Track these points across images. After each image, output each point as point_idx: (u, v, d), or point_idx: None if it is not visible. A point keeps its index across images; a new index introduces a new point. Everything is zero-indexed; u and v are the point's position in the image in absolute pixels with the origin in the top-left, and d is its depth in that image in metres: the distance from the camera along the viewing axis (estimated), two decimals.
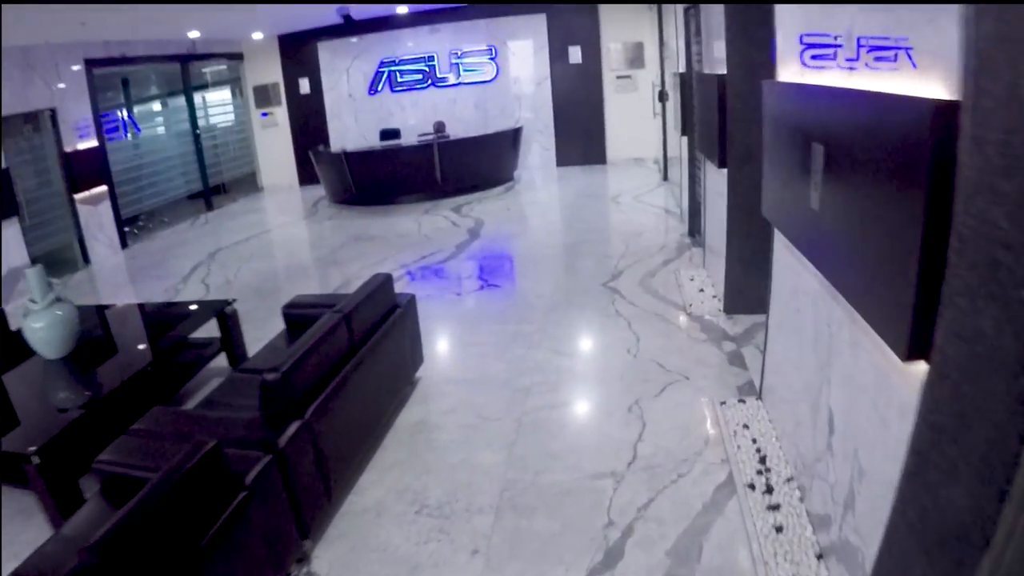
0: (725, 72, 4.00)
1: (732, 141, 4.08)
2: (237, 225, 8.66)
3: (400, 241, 6.86)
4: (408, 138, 10.36)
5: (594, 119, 10.59)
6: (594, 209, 7.56)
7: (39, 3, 4.78)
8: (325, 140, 11.11)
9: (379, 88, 10.86)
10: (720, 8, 4.02)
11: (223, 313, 4.17)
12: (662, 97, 8.26)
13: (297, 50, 11.06)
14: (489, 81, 10.52)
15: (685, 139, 6.14)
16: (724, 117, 4.10)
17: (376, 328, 3.35)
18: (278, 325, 4.11)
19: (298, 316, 3.85)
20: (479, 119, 10.62)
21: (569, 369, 3.97)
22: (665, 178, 8.66)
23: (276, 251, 7.49)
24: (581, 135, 10.67)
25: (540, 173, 10.39)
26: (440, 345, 4.48)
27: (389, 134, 10.29)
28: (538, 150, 10.79)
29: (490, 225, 7.21)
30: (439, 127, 8.93)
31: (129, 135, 9.69)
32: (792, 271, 2.59)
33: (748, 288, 4.13)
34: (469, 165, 8.94)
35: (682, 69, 5.95)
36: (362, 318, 3.23)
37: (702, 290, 4.82)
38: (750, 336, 4.03)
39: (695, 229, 5.86)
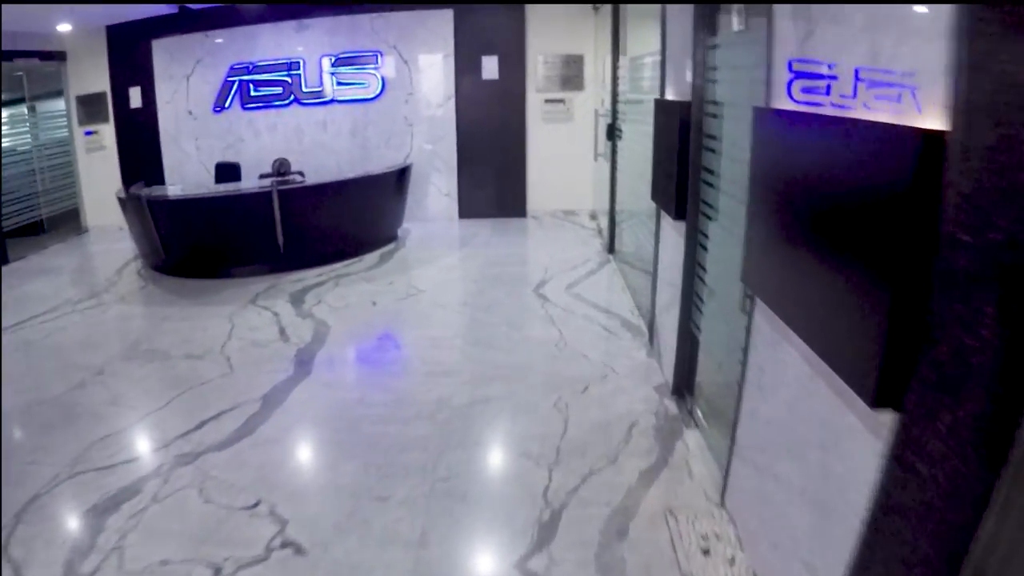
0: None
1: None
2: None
3: (186, 371, 4.37)
4: (254, 176, 8.29)
5: (512, 156, 8.49)
6: (507, 313, 5.23)
7: None
8: (159, 172, 8.90)
9: (227, 103, 8.52)
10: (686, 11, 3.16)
11: None
12: (612, 134, 6.37)
13: (128, 50, 8.59)
14: (372, 99, 8.38)
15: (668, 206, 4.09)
16: (685, 155, 3.21)
17: None
18: None
19: None
20: (356, 150, 8.39)
21: None
22: (611, 250, 6.77)
23: None
24: (494, 177, 8.54)
25: (436, 230, 8.16)
26: None
27: (226, 171, 7.88)
28: (435, 195, 8.57)
29: (336, 338, 4.79)
30: (281, 167, 6.59)
31: None
32: None
33: None
34: (329, 222, 6.64)
35: (658, 95, 4.01)
36: None
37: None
38: None
39: (685, 381, 3.61)
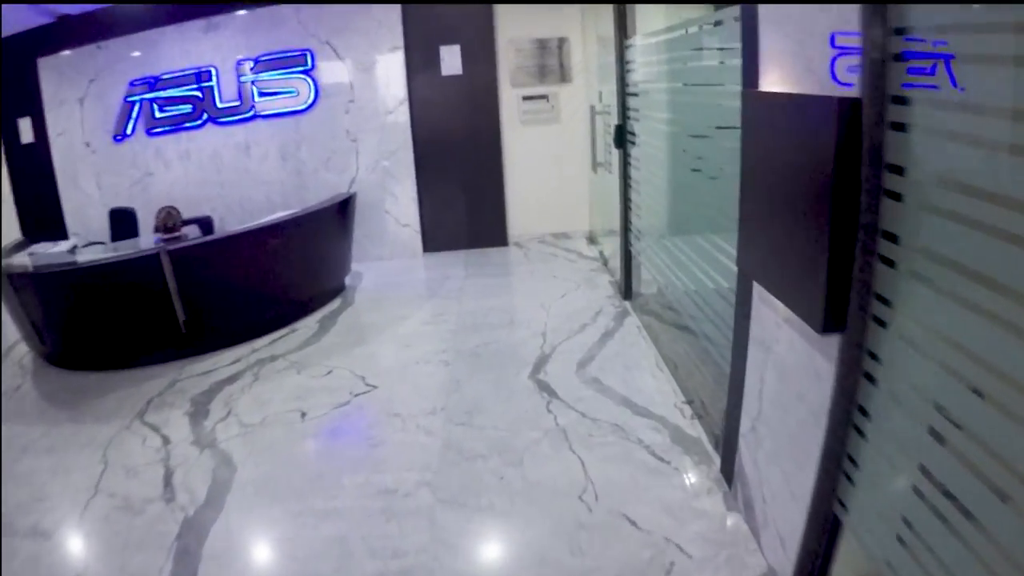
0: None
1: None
2: None
3: (22, 568, 2.83)
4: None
5: (486, 170, 7.00)
6: (498, 428, 3.66)
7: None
8: (59, 223, 7.40)
9: (129, 130, 6.93)
10: None
11: None
12: (622, 138, 4.95)
13: (10, 73, 6.95)
14: (304, 110, 6.81)
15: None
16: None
17: None
18: None
19: None
20: (288, 177, 6.84)
21: None
22: (627, 294, 5.27)
23: None
24: (465, 197, 7.05)
25: (395, 272, 6.64)
26: None
27: (121, 221, 6.36)
28: (392, 226, 7.02)
29: (241, 495, 3.23)
30: (168, 220, 5.10)
31: None
32: None
33: None
34: (246, 285, 5.11)
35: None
36: None
37: None
38: None
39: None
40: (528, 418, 3.66)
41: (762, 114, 2.16)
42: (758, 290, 2.40)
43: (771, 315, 2.30)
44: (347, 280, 6.22)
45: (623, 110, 4.84)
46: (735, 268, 2.62)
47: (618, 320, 4.92)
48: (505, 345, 4.65)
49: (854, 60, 1.64)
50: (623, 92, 4.79)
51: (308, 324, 5.38)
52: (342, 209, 5.87)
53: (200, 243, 4.91)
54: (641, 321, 4.84)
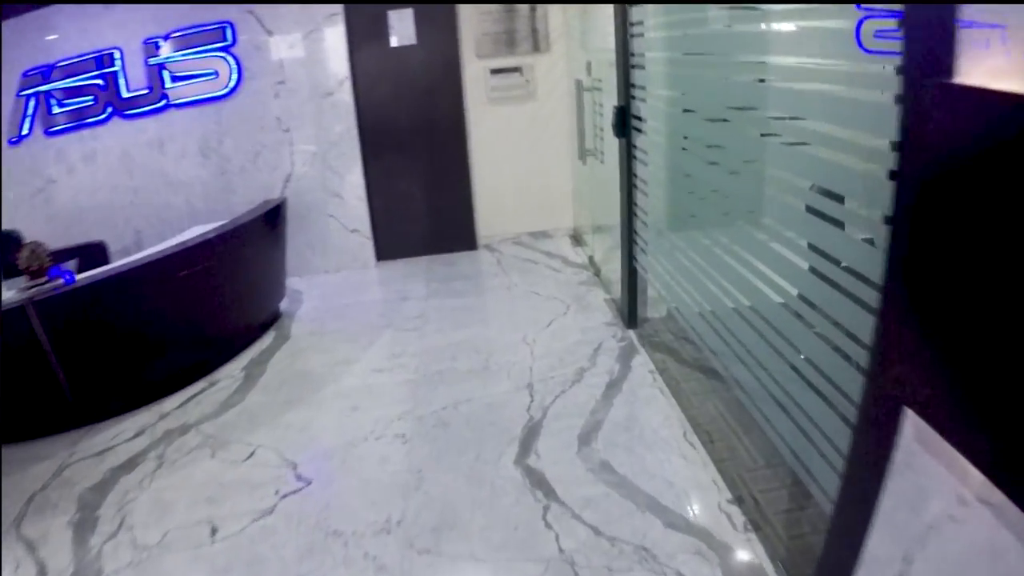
0: None
1: None
2: None
3: None
4: (67, 236, 5.66)
5: (449, 158, 6.00)
6: (479, 561, 2.73)
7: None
8: None
9: (26, 130, 5.79)
10: None
11: None
12: (624, 124, 3.92)
13: None
14: (225, 95, 5.73)
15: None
16: None
17: None
18: None
19: None
20: (212, 178, 5.78)
21: None
22: (632, 321, 4.33)
23: None
24: (425, 193, 6.07)
25: (342, 291, 5.63)
26: None
27: (4, 246, 5.30)
28: (338, 232, 6.00)
29: None
30: (31, 262, 3.80)
31: None
32: None
33: None
34: (153, 330, 4.06)
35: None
36: None
37: None
38: None
39: None
40: (519, 539, 2.70)
41: (976, 130, 1.19)
42: (914, 421, 1.45)
43: (938, 470, 1.36)
44: (282, 306, 5.20)
45: (625, 87, 3.84)
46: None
47: (624, 360, 3.96)
48: (481, 406, 3.67)
49: None
50: (625, 64, 3.78)
51: (232, 372, 4.37)
52: (270, 220, 4.83)
53: (80, 287, 3.84)
54: (654, 362, 3.90)
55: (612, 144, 4.30)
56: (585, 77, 5.05)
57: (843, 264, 1.85)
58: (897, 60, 1.37)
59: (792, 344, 2.17)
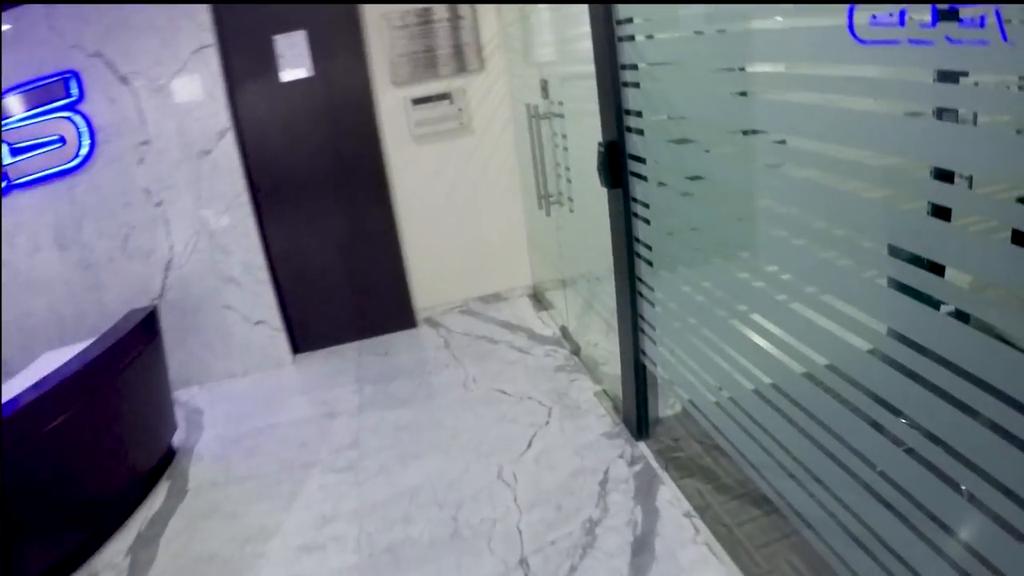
0: None
1: None
2: None
3: None
4: None
5: (369, 218, 4.97)
6: None
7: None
8: None
9: None
10: None
11: None
12: (614, 169, 2.84)
13: None
14: (77, 166, 4.53)
15: None
16: None
17: None
18: None
19: None
20: (75, 275, 4.56)
21: None
22: (640, 430, 3.35)
23: None
24: (343, 264, 5.01)
25: (249, 406, 4.51)
26: None
27: None
28: (239, 327, 4.83)
29: None
30: None
31: None
32: None
33: None
34: (5, 508, 2.90)
35: None
36: None
37: None
38: None
39: None
40: None
41: None
42: None
43: None
44: (176, 440, 4.10)
45: (615, 115, 2.82)
46: None
47: (645, 498, 2.99)
48: None
49: None
50: (611, 80, 2.76)
51: (113, 559, 3.26)
52: (143, 336, 3.72)
53: None
54: (686, 494, 2.93)
55: (586, 187, 3.38)
56: (539, 100, 4.05)
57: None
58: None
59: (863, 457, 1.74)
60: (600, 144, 2.89)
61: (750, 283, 2.17)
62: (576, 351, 4.32)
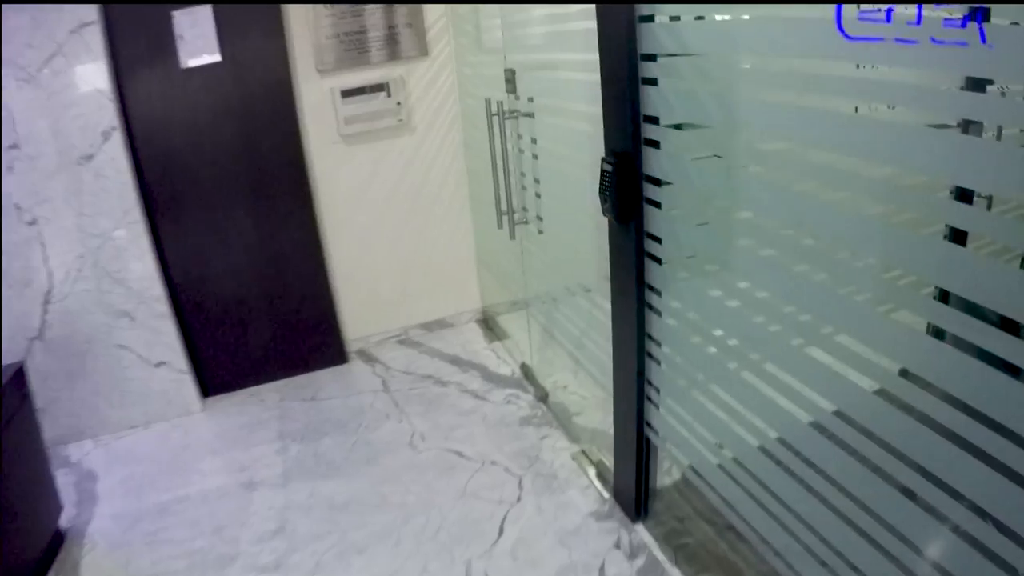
0: None
1: None
2: None
3: None
4: None
5: (289, 231, 4.27)
6: None
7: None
8: None
9: None
10: None
11: None
12: (628, 198, 2.29)
13: None
14: None
15: None
16: None
17: None
18: None
19: None
20: None
21: None
22: (639, 509, 2.84)
23: None
24: (259, 292, 4.32)
25: (151, 468, 3.80)
26: None
27: None
28: (137, 369, 4.06)
29: None
30: None
31: None
32: None
33: None
34: None
35: None
36: None
37: None
38: None
39: None
40: None
41: None
42: None
43: None
44: (64, 519, 3.41)
45: (629, 121, 2.24)
46: None
47: None
48: None
49: None
50: (628, 75, 2.15)
51: None
52: (8, 398, 3.01)
53: None
54: None
55: (561, 205, 2.98)
56: (502, 95, 3.44)
57: None
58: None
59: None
60: (605, 159, 2.30)
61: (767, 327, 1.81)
62: (543, 397, 3.78)
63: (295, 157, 4.10)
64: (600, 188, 2.33)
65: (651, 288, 2.38)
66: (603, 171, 2.29)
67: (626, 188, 2.24)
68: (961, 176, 1.34)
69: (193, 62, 3.88)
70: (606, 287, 2.65)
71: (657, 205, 2.22)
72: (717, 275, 2.07)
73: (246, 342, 4.30)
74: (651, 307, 2.41)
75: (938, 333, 1.39)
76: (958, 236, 1.68)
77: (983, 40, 1.14)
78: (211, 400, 4.24)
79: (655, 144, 2.13)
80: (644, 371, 2.57)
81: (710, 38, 1.87)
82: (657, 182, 2.18)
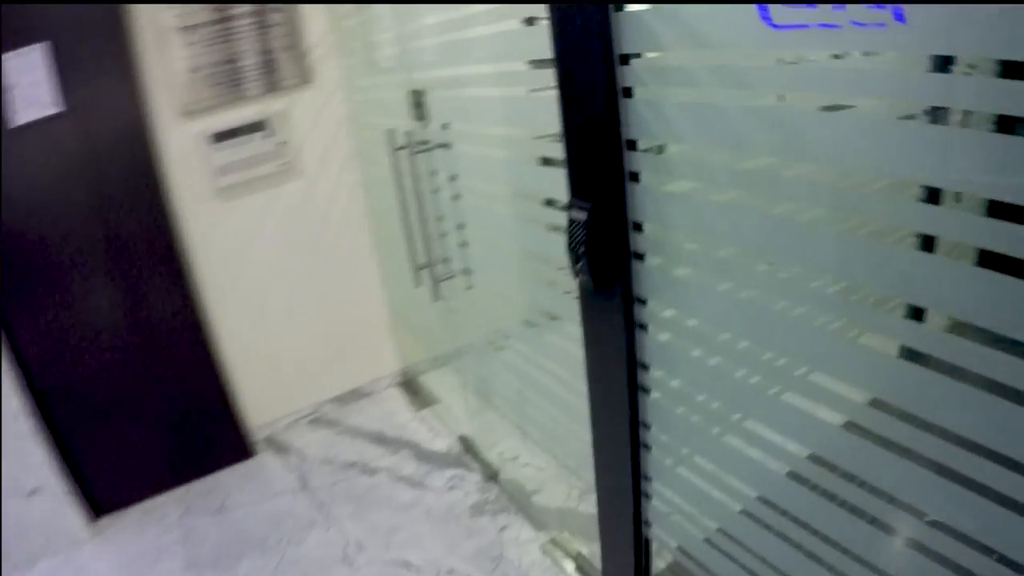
0: None
1: None
2: None
3: None
4: None
5: (162, 309, 3.59)
6: None
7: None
8: None
9: None
10: None
11: None
12: (613, 253, 1.66)
13: None
14: None
15: None
16: None
17: None
18: None
19: None
20: None
21: None
22: None
23: None
24: (141, 385, 3.60)
25: None
26: None
27: None
28: (6, 504, 3.21)
29: None
30: None
31: None
32: None
33: None
34: None
35: None
36: None
37: None
38: None
39: None
40: None
41: None
42: None
43: None
44: None
45: (608, 152, 1.74)
46: None
47: None
48: None
49: None
50: (605, 86, 1.64)
51: None
52: None
53: None
54: None
55: (493, 253, 2.51)
56: (408, 123, 2.90)
57: None
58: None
59: None
60: (574, 204, 1.82)
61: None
62: (492, 475, 3.27)
63: (158, 219, 3.44)
64: (568, 244, 1.83)
65: (644, 366, 1.91)
66: (571, 221, 1.79)
67: (606, 241, 1.75)
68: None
69: (28, 116, 3.18)
70: (553, 324, 2.22)
71: (640, 257, 1.76)
72: (695, 330, 1.71)
73: (132, 447, 3.60)
74: (644, 389, 1.95)
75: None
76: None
77: (898, 18, 1.12)
78: (103, 522, 3.52)
79: (636, 178, 1.67)
80: (640, 463, 2.10)
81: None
82: (640, 228, 1.72)
